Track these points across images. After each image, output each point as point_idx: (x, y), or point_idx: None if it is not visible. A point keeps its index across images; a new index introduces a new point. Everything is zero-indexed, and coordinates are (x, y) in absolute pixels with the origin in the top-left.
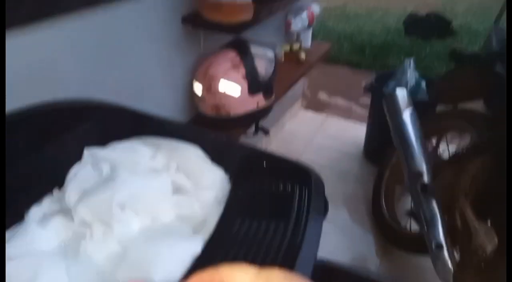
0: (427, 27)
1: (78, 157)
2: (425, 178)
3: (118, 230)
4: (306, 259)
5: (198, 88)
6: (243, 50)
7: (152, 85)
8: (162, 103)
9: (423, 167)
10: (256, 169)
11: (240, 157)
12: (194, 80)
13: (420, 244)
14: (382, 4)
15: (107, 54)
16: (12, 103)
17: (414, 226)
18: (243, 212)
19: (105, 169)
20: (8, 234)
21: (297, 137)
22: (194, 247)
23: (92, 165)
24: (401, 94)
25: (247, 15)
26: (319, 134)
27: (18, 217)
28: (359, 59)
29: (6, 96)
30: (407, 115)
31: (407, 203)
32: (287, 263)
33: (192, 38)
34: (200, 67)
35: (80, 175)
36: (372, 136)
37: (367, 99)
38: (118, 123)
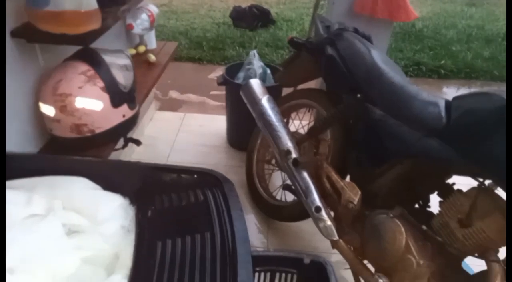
0: (251, 19)
1: None
2: (294, 154)
3: None
4: (245, 261)
5: (48, 109)
6: (95, 61)
7: None
8: (7, 135)
9: (290, 145)
10: (158, 185)
11: (136, 177)
12: (40, 101)
13: (298, 212)
14: None
15: None
16: None
17: (288, 197)
18: (161, 233)
19: None
20: None
21: (160, 141)
22: None
23: None
24: (256, 83)
25: (95, 24)
26: (181, 133)
27: None
28: (199, 54)
29: None
30: (265, 102)
31: (278, 178)
32: (229, 269)
33: (26, 54)
34: (45, 86)
35: None
36: (233, 125)
37: (217, 92)
38: None
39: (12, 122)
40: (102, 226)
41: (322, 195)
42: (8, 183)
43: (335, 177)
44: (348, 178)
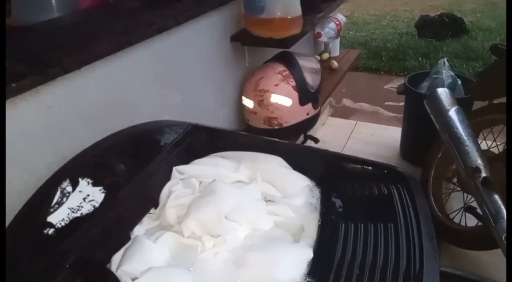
0: (440, 28)
1: (164, 175)
2: (484, 173)
3: (228, 240)
4: (432, 256)
5: (248, 102)
6: (290, 63)
7: (206, 102)
8: (216, 120)
9: (480, 162)
10: (342, 174)
11: (323, 163)
12: (243, 95)
13: (481, 239)
14: (388, 10)
15: (169, 76)
16: (95, 133)
17: (469, 222)
18: (344, 217)
19: (196, 184)
20: (127, 253)
21: (330, 145)
22: (307, 252)
23: (183, 182)
24: (444, 93)
25: (297, 29)
26: (351, 140)
27: (126, 238)
28: (377, 64)
29: (90, 127)
30: (453, 113)
31: (457, 199)
32: (413, 260)
33: (238, 55)
34: (248, 82)
35: (174, 193)
36: (409, 137)
37: (392, 102)
38: (197, 140)
39: (222, 109)
40: (291, 199)
41: None
42: (221, 153)
43: None
44: None
